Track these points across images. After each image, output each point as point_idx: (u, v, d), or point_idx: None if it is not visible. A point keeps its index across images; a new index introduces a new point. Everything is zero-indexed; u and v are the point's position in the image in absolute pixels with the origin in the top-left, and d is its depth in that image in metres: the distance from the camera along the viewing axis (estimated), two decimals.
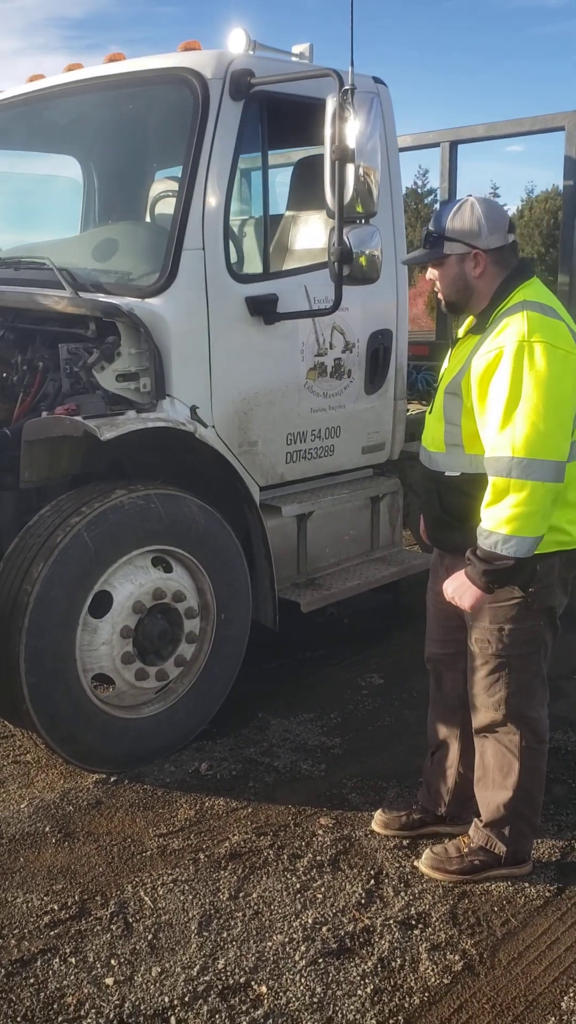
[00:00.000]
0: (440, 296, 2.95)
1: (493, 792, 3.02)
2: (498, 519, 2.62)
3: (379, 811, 3.37)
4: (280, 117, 4.16)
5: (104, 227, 4.90)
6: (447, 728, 3.21)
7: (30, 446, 3.62)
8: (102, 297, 3.85)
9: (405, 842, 3.26)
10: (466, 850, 3.09)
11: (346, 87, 3.54)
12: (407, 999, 2.56)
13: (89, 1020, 2.47)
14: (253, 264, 4.45)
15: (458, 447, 2.84)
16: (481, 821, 3.07)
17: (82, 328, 3.85)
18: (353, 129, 3.57)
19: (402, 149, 5.21)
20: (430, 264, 2.91)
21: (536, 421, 2.58)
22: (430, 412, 2.97)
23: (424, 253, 2.89)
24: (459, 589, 2.78)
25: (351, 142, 3.58)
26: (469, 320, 2.92)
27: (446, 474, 2.89)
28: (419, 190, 35.51)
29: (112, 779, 3.64)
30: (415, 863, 3.14)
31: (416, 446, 3.36)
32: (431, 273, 2.92)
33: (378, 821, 3.35)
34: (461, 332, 2.95)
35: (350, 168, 3.60)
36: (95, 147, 4.90)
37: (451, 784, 3.24)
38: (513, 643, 2.86)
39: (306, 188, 4.65)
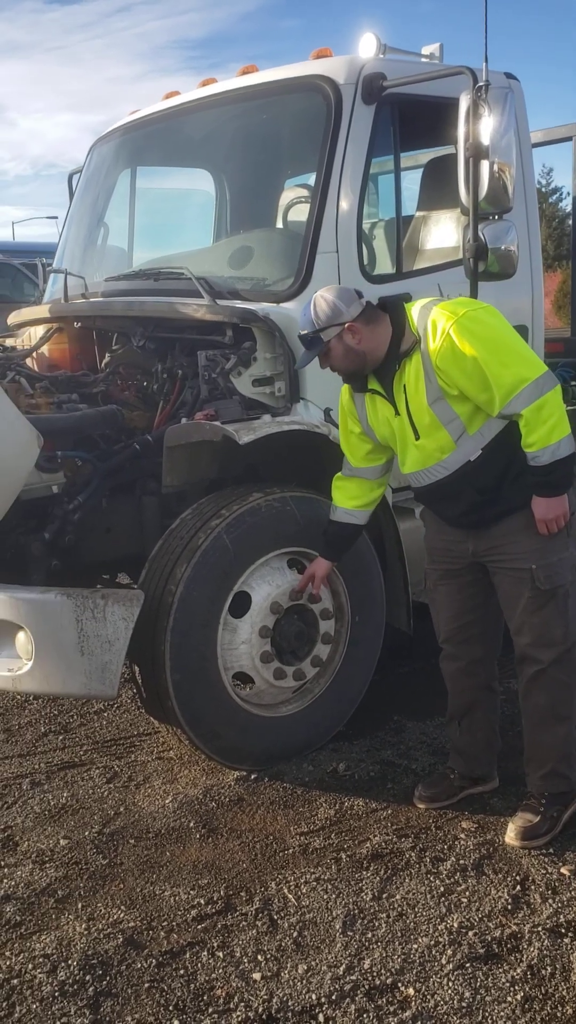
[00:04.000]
0: (341, 376, 3.32)
1: (552, 729, 3.27)
2: (545, 435, 2.99)
3: (418, 790, 3.54)
4: (411, 118, 4.16)
5: (239, 235, 4.99)
6: (471, 695, 3.48)
7: (171, 452, 3.71)
8: (238, 304, 3.93)
9: (551, 848, 3.19)
10: (542, 807, 3.26)
11: (480, 84, 3.52)
12: (559, 1008, 2.50)
13: (239, 1013, 2.51)
14: (385, 265, 4.45)
15: (464, 435, 3.14)
16: (545, 767, 3.29)
17: (219, 335, 3.94)
18: (487, 126, 3.55)
19: (533, 144, 5.11)
20: (322, 359, 3.25)
21: (520, 351, 3.05)
22: (416, 440, 3.19)
23: (309, 354, 3.26)
24: (547, 511, 3.09)
25: (485, 139, 3.56)
26: (371, 380, 3.26)
27: (472, 460, 3.16)
28: (544, 188, 34.73)
29: (252, 776, 3.70)
30: (559, 870, 3.06)
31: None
32: (325, 363, 3.28)
33: (422, 798, 3.51)
34: (372, 385, 3.26)
35: (484, 164, 3.58)
36: (228, 158, 5.00)
37: (482, 746, 3.53)
38: (564, 571, 3.18)
39: (437, 188, 4.63)
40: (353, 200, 3.92)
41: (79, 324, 4.64)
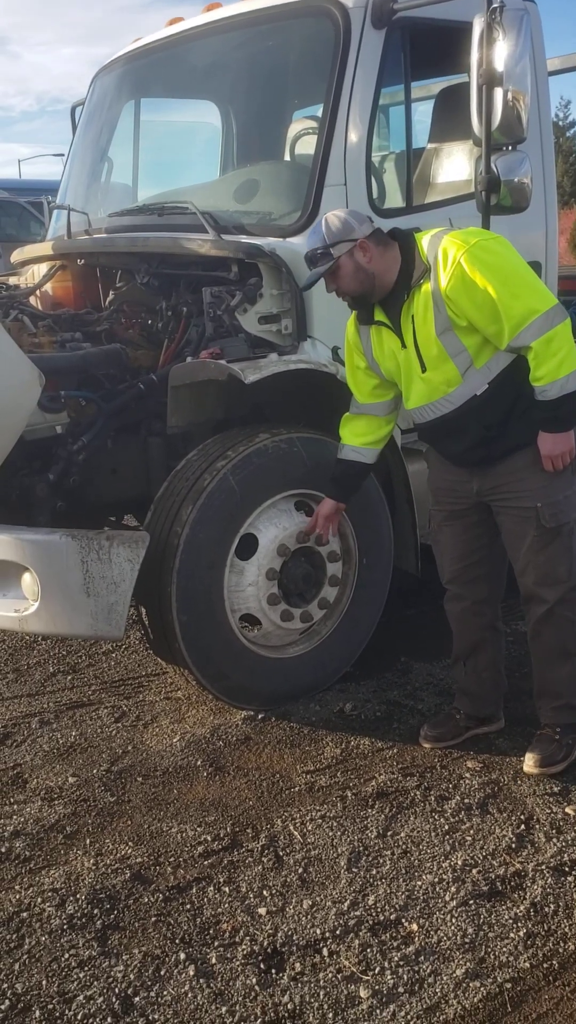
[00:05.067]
0: (347, 300, 3.25)
1: (562, 665, 3.31)
2: (555, 368, 2.95)
3: (424, 730, 3.56)
4: (423, 45, 4.01)
5: (244, 169, 4.87)
6: (476, 635, 3.49)
7: (176, 391, 3.67)
8: (244, 239, 3.84)
9: (556, 788, 3.20)
10: (558, 736, 3.32)
11: (494, 5, 3.37)
12: (561, 944, 2.52)
13: (244, 947, 2.54)
14: (395, 199, 4.33)
15: (471, 368, 3.10)
16: (558, 700, 3.34)
17: (224, 271, 3.86)
18: (502, 51, 3.41)
19: (550, 73, 4.93)
20: (329, 279, 3.18)
21: (531, 282, 3.01)
22: (422, 373, 3.15)
23: (320, 269, 3.16)
24: (554, 447, 3.07)
25: (499, 65, 3.42)
26: (377, 312, 3.21)
27: (478, 394, 3.13)
28: (560, 122, 33.92)
29: (260, 716, 3.72)
30: (563, 810, 3.08)
31: None
32: (332, 284, 3.20)
33: (428, 738, 3.53)
34: (378, 316, 3.21)
35: (498, 92, 3.45)
36: (233, 88, 4.84)
37: (488, 686, 3.54)
38: (569, 508, 3.18)
39: (449, 119, 4.49)
40: (362, 131, 3.81)
41: (82, 261, 4.56)
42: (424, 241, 3.09)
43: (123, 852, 2.96)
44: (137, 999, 2.38)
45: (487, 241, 3.03)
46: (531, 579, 3.25)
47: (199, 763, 3.44)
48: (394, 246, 3.13)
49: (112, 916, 2.68)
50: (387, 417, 3.49)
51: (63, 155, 5.69)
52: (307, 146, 4.24)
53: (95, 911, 2.69)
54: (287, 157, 4.62)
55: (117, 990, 2.41)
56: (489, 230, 3.57)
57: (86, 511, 3.91)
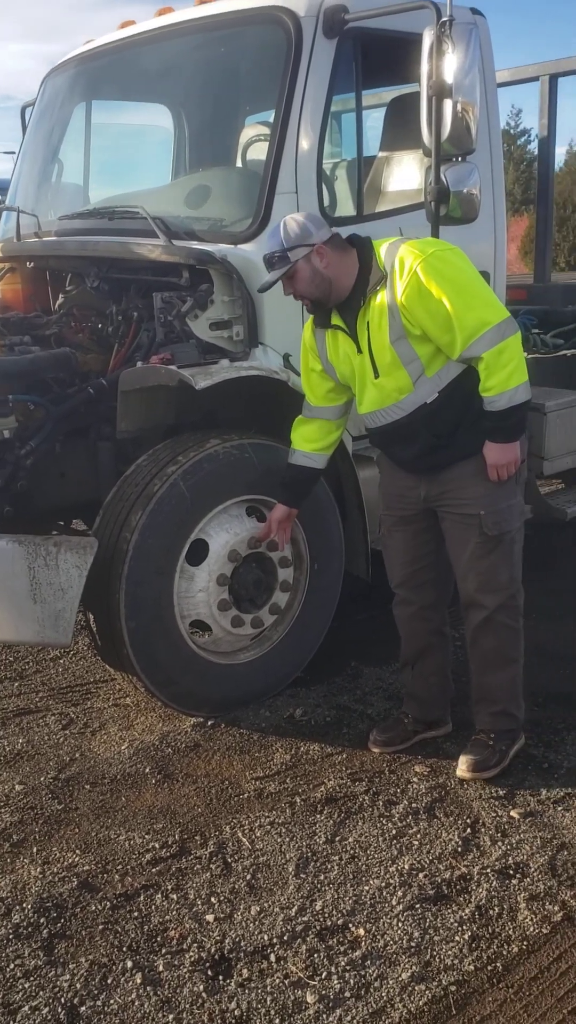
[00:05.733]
0: (304, 303, 3.27)
1: (500, 672, 3.37)
2: (503, 380, 3.01)
3: (373, 735, 3.58)
4: (374, 54, 4.04)
5: (197, 174, 4.86)
6: (423, 640, 3.54)
7: (126, 396, 3.65)
8: (195, 244, 3.84)
9: (502, 792, 3.25)
10: (491, 741, 3.37)
11: (444, 19, 3.40)
12: (505, 947, 2.56)
13: (191, 953, 2.54)
14: (346, 207, 4.36)
15: (423, 376, 3.15)
16: (495, 707, 3.39)
17: (176, 277, 3.85)
18: (451, 63, 3.45)
19: (499, 85, 5.01)
20: (286, 283, 3.18)
21: (485, 294, 3.06)
22: (375, 379, 3.19)
23: (277, 272, 3.16)
24: (500, 457, 3.13)
25: (449, 77, 3.46)
26: (334, 316, 3.23)
27: (428, 402, 3.17)
28: (512, 131, 34.32)
29: (209, 723, 3.71)
30: (509, 813, 3.12)
31: None
32: (289, 288, 3.21)
33: (376, 742, 3.55)
34: (335, 320, 3.23)
35: (448, 104, 3.48)
36: (185, 93, 4.84)
37: (436, 691, 3.59)
38: (512, 518, 3.25)
39: (400, 128, 4.53)
40: (313, 139, 3.82)
41: (32, 264, 4.52)
42: (382, 249, 3.11)
43: (70, 860, 2.94)
44: (83, 1008, 2.37)
45: (443, 252, 3.06)
46: (472, 585, 3.30)
47: (147, 770, 3.43)
48: (352, 252, 3.16)
49: (59, 925, 2.66)
50: (338, 422, 3.52)
51: (13, 152, 5.64)
52: (259, 152, 4.24)
53: (41, 920, 2.67)
54: (239, 163, 4.63)
55: (63, 1000, 2.39)
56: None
57: (34, 516, 3.87)
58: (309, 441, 3.52)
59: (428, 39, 3.44)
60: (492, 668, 3.37)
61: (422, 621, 3.52)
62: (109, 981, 2.46)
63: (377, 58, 4.06)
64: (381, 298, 3.08)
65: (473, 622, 3.35)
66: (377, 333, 3.12)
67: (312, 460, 3.54)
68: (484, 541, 3.22)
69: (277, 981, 2.45)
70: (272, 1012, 2.35)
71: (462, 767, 3.33)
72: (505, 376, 3.01)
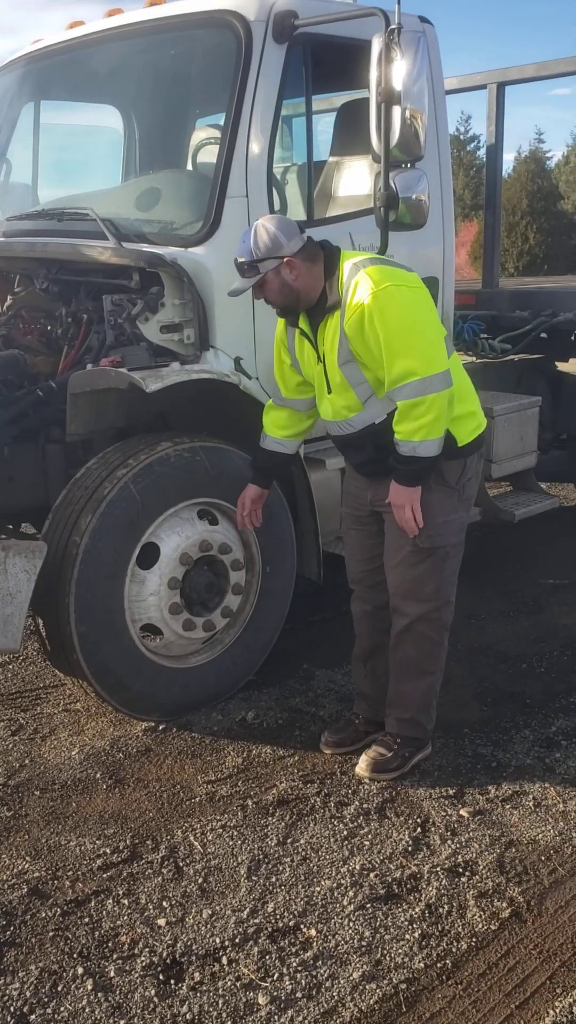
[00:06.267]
0: (274, 308, 3.27)
1: (415, 681, 3.41)
2: (411, 431, 3.05)
3: (324, 736, 3.61)
4: (323, 60, 4.07)
5: (146, 176, 4.85)
6: (376, 638, 3.54)
7: (76, 399, 3.62)
8: (145, 247, 3.82)
9: (451, 791, 3.29)
10: (396, 745, 3.41)
11: (392, 27, 3.43)
12: (455, 944, 2.59)
13: (143, 958, 2.53)
14: (297, 212, 4.36)
15: (372, 397, 3.18)
16: (405, 713, 3.42)
17: (126, 279, 3.84)
18: (399, 70, 3.47)
19: (448, 92, 5.07)
20: (256, 290, 3.19)
21: (421, 343, 3.01)
22: (328, 392, 3.24)
23: (246, 281, 3.17)
24: (396, 497, 3.18)
25: (397, 84, 3.48)
26: (302, 319, 3.24)
27: (376, 423, 3.21)
28: (461, 136, 34.71)
29: (160, 727, 3.70)
30: (458, 812, 3.16)
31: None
32: (259, 295, 3.22)
33: (328, 744, 3.58)
34: (302, 324, 3.25)
35: (396, 111, 3.51)
36: (135, 95, 4.82)
37: (385, 690, 3.54)
38: (448, 533, 3.28)
39: (350, 133, 4.56)
40: (264, 143, 3.84)
41: None
42: (345, 268, 3.10)
43: (20, 867, 2.91)
44: (33, 1017, 2.35)
45: (397, 288, 3.02)
46: (397, 592, 3.35)
47: (98, 775, 3.41)
48: (320, 261, 3.15)
49: (8, 932, 2.63)
50: (308, 412, 3.55)
51: None
52: (210, 155, 4.23)
53: None
54: (189, 165, 4.62)
55: (13, 1008, 2.37)
56: (387, 247, 3.65)
57: None
58: (281, 428, 3.55)
59: (377, 46, 3.47)
60: (408, 677, 3.41)
61: (375, 620, 3.55)
62: (59, 988, 2.44)
63: (327, 63, 4.09)
64: (334, 320, 3.11)
65: (396, 627, 3.40)
66: (330, 353, 3.17)
67: (283, 446, 3.58)
68: (416, 551, 3.26)
69: (229, 984, 2.45)
70: (224, 1015, 2.35)
71: (362, 766, 3.39)
72: (414, 428, 3.04)
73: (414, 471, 3.13)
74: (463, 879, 2.85)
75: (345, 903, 2.74)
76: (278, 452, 3.59)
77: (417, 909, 2.71)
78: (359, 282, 3.02)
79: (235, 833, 3.07)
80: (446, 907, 2.73)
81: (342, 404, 3.22)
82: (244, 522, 3.70)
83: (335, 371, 3.17)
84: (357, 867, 2.89)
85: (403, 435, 3.07)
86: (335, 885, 2.81)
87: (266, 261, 3.10)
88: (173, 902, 2.76)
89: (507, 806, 3.22)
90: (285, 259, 3.10)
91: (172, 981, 2.46)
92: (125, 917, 2.70)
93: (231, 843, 3.02)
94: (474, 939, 2.61)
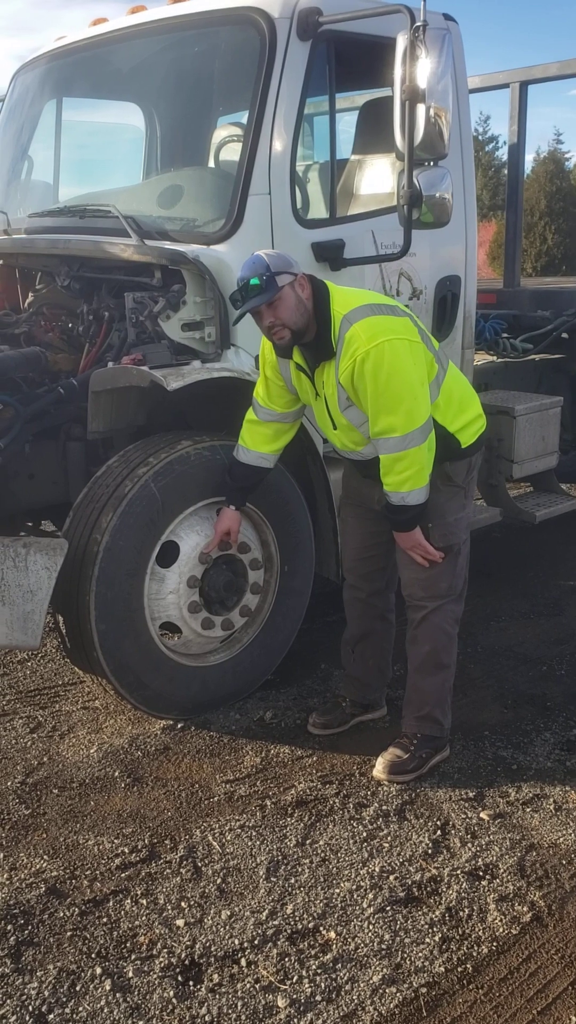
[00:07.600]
0: (287, 331, 3.12)
1: (432, 676, 3.44)
2: (396, 483, 3.15)
3: (312, 718, 3.70)
4: (347, 57, 4.04)
5: (169, 174, 4.84)
6: (367, 624, 3.65)
7: (97, 396, 3.62)
8: (167, 244, 3.81)
9: (471, 793, 3.26)
10: (413, 746, 3.41)
11: (418, 24, 3.41)
12: (475, 948, 2.57)
13: (161, 959, 2.52)
14: (319, 209, 4.36)
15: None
16: (422, 709, 3.44)
17: (148, 277, 3.83)
18: (424, 68, 3.45)
19: (470, 91, 5.04)
20: (267, 310, 3.08)
21: (404, 403, 3.05)
22: (334, 429, 3.31)
23: (264, 295, 3.05)
24: (401, 541, 3.30)
25: (422, 82, 3.46)
26: (296, 354, 3.24)
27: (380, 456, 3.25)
28: (480, 137, 34.60)
29: (179, 726, 3.69)
30: (479, 815, 3.14)
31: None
32: (269, 316, 3.10)
33: (316, 725, 3.67)
34: (297, 359, 3.26)
35: (420, 108, 3.49)
36: (158, 92, 4.81)
37: (373, 673, 3.70)
38: (459, 530, 3.37)
39: (373, 131, 4.54)
40: (287, 140, 3.82)
41: (1, 262, 4.47)
42: (339, 324, 3.08)
43: (38, 866, 2.90)
44: (52, 1016, 2.34)
45: (391, 344, 3.04)
46: (414, 590, 3.41)
47: (117, 774, 3.40)
48: (311, 292, 3.13)
49: (26, 932, 2.63)
50: (294, 423, 3.57)
51: None
52: (232, 152, 4.23)
53: (8, 927, 2.63)
54: (211, 163, 4.61)
55: (31, 1008, 2.36)
56: (410, 245, 3.63)
57: (2, 517, 3.83)
58: (267, 443, 3.52)
59: (402, 44, 3.44)
60: (425, 672, 3.45)
61: (367, 607, 3.63)
62: (78, 988, 2.43)
63: (350, 61, 4.06)
64: (331, 369, 3.15)
65: (413, 624, 3.46)
66: (331, 399, 3.22)
67: (267, 460, 3.57)
68: (432, 547, 3.30)
69: (248, 986, 2.43)
70: (243, 1017, 2.33)
71: (379, 768, 3.38)
72: (400, 480, 3.14)
73: (407, 519, 3.24)
74: (483, 883, 2.82)
75: (365, 905, 2.72)
76: (261, 468, 3.55)
77: (437, 912, 2.69)
78: (353, 337, 3.05)
79: (254, 833, 3.05)
80: (466, 911, 2.70)
81: (349, 440, 3.31)
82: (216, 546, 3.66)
83: (339, 415, 3.24)
84: (377, 869, 2.87)
85: (391, 487, 3.17)
86: (354, 887, 2.80)
87: (282, 275, 3.07)
88: (192, 903, 2.75)
89: (527, 809, 3.19)
90: (298, 276, 3.11)
91: (191, 982, 2.45)
92: (143, 917, 2.69)
93: (250, 843, 3.00)
94: (495, 943, 2.59)
